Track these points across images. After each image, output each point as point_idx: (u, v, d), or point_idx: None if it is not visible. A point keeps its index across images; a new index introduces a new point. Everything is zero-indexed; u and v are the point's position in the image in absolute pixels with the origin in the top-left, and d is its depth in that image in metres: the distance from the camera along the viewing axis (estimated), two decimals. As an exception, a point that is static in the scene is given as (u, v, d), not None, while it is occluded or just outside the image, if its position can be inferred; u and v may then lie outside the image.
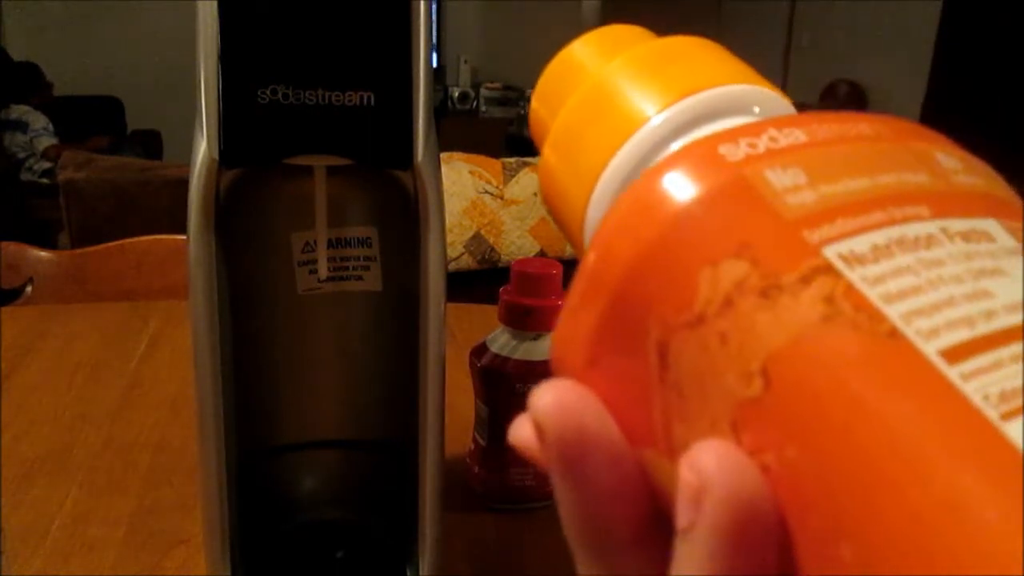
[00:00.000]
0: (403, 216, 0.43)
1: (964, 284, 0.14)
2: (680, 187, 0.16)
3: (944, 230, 0.15)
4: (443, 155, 1.25)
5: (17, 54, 3.91)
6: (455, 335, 0.82)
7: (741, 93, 0.20)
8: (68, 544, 0.55)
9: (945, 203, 0.16)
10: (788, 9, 4.74)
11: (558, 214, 0.21)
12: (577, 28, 0.28)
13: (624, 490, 0.16)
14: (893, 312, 0.14)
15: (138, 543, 0.55)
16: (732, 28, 4.69)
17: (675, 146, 0.19)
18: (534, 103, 0.24)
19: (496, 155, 1.68)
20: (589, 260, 0.17)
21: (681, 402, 0.16)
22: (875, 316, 0.14)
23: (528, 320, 0.56)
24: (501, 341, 0.57)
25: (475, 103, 4.95)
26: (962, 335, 0.14)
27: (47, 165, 3.52)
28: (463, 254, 1.57)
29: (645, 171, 0.17)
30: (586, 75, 0.22)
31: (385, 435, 0.51)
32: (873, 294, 0.14)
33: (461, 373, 0.59)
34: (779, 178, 0.16)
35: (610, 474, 0.16)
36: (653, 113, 0.19)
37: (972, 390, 0.13)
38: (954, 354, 0.13)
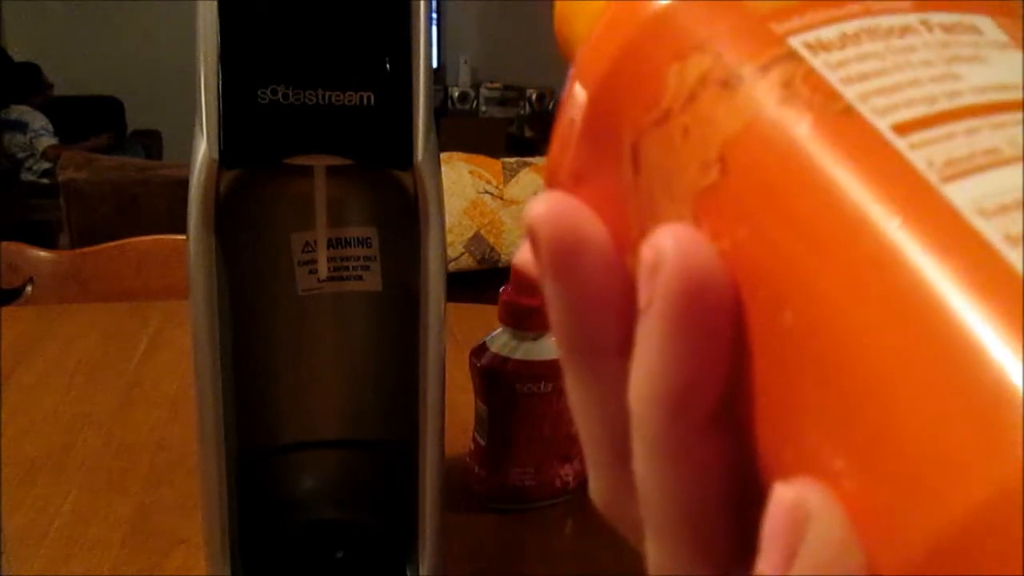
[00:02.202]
0: (403, 216, 0.43)
1: (933, 68, 0.14)
2: None
3: (924, 22, 0.15)
4: (443, 155, 1.25)
5: (17, 54, 3.91)
6: (455, 335, 0.82)
7: None
8: (68, 544, 0.55)
9: None
10: None
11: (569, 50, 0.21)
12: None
13: (613, 295, 0.16)
14: (850, 92, 0.14)
15: (138, 543, 0.55)
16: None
17: None
18: None
19: (496, 155, 1.68)
20: (572, 74, 0.17)
21: (651, 203, 0.16)
22: (831, 95, 0.14)
23: (528, 320, 0.56)
24: (501, 341, 0.57)
25: (475, 103, 4.95)
26: (919, 111, 0.13)
27: (47, 165, 3.52)
28: (463, 254, 1.57)
29: None
30: None
31: (385, 435, 0.51)
32: (833, 77, 0.14)
33: (461, 373, 0.59)
34: None
35: (602, 276, 0.16)
36: None
37: (918, 157, 0.13)
38: (906, 127, 0.13)
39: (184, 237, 0.41)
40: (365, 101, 0.37)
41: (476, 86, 4.97)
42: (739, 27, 0.15)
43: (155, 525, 0.57)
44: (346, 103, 0.37)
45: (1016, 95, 0.14)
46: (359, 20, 0.37)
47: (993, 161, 0.13)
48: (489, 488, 0.60)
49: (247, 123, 0.37)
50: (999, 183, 0.12)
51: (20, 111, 3.64)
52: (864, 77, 0.14)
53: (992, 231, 0.12)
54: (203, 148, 0.37)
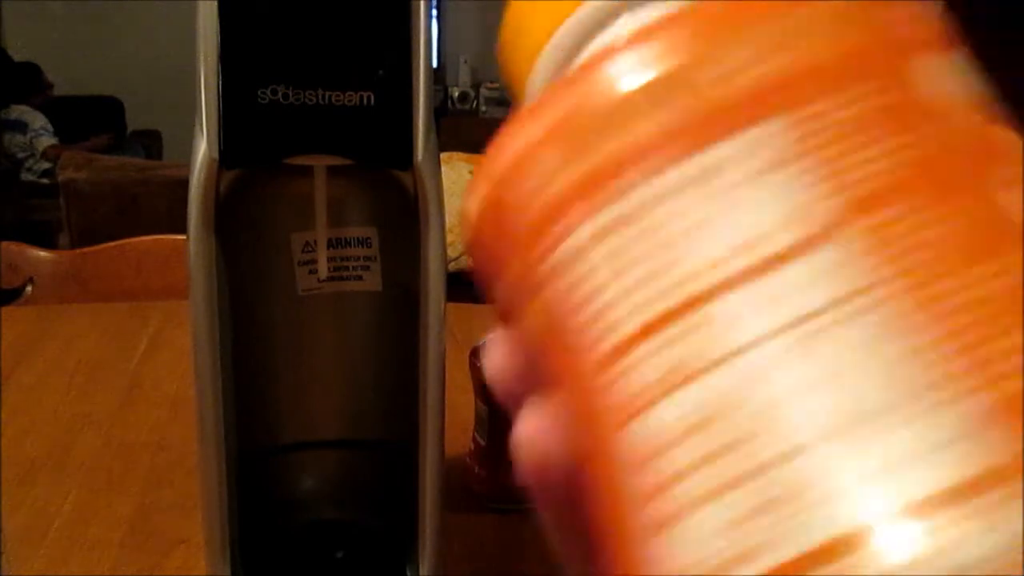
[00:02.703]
0: (403, 216, 0.43)
1: (653, 259, 0.15)
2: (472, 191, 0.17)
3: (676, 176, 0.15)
4: (443, 155, 1.25)
5: (17, 55, 3.91)
6: (455, 335, 0.82)
7: None
8: (68, 544, 0.55)
9: (695, 132, 0.15)
10: None
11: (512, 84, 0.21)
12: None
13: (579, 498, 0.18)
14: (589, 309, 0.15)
15: (138, 543, 0.55)
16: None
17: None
18: None
19: (496, 155, 1.68)
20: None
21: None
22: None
23: (528, 320, 0.56)
24: (501, 341, 0.57)
25: (475, 103, 4.95)
26: (629, 328, 0.15)
27: (47, 165, 3.52)
28: (463, 254, 1.57)
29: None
30: None
31: (385, 435, 0.51)
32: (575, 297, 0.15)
33: (461, 373, 0.59)
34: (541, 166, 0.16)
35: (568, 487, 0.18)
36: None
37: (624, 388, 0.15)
38: (624, 347, 0.15)
39: (184, 237, 0.41)
40: (365, 101, 0.37)
41: (476, 86, 4.97)
42: (522, 281, 0.16)
43: (155, 525, 0.57)
44: (346, 103, 0.37)
45: (731, 268, 0.14)
46: (359, 20, 0.37)
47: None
48: (489, 488, 0.60)
49: (247, 123, 0.37)
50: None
51: (20, 111, 3.64)
52: (592, 295, 0.15)
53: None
54: (203, 148, 0.37)
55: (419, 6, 0.37)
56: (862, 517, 0.12)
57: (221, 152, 0.37)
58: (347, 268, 0.46)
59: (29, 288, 1.08)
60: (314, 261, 0.45)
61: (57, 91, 4.00)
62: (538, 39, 0.18)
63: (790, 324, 0.14)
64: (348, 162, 0.39)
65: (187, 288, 0.40)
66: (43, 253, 1.12)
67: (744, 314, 0.14)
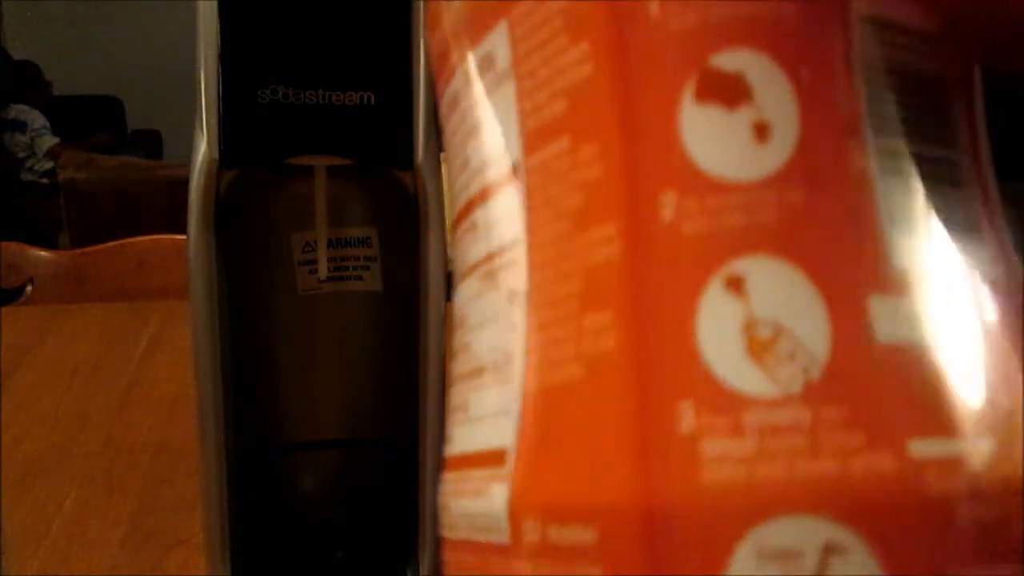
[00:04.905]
0: (403, 216, 0.43)
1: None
2: None
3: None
4: (443, 155, 1.25)
5: (17, 54, 3.91)
6: (455, 335, 0.82)
7: None
8: (68, 544, 0.55)
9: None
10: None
11: None
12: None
13: None
14: None
15: (138, 543, 0.55)
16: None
17: None
18: None
19: (496, 155, 1.68)
20: None
21: None
22: None
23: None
24: (501, 341, 0.57)
25: (475, 103, 4.95)
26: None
27: (48, 165, 3.52)
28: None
29: None
30: None
31: (385, 435, 0.51)
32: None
33: (461, 373, 0.59)
34: None
35: None
36: None
37: None
38: None
39: (184, 237, 0.41)
40: (365, 101, 0.37)
41: (476, 86, 4.97)
42: None
43: (155, 525, 0.57)
44: (346, 103, 0.37)
45: None
46: (359, 20, 0.37)
47: None
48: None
49: (247, 123, 0.37)
50: None
51: (19, 110, 3.64)
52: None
53: None
54: (203, 148, 0.37)
55: (419, 6, 0.37)
56: (455, 451, 0.16)
57: (221, 152, 0.37)
58: (347, 268, 0.46)
59: (29, 288, 1.08)
60: (314, 261, 0.45)
61: (57, 91, 4.00)
62: None
63: (483, 260, 0.16)
64: (348, 162, 0.39)
65: (187, 288, 0.40)
66: (43, 253, 1.12)
67: (474, 233, 0.16)
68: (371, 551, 0.50)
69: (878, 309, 0.12)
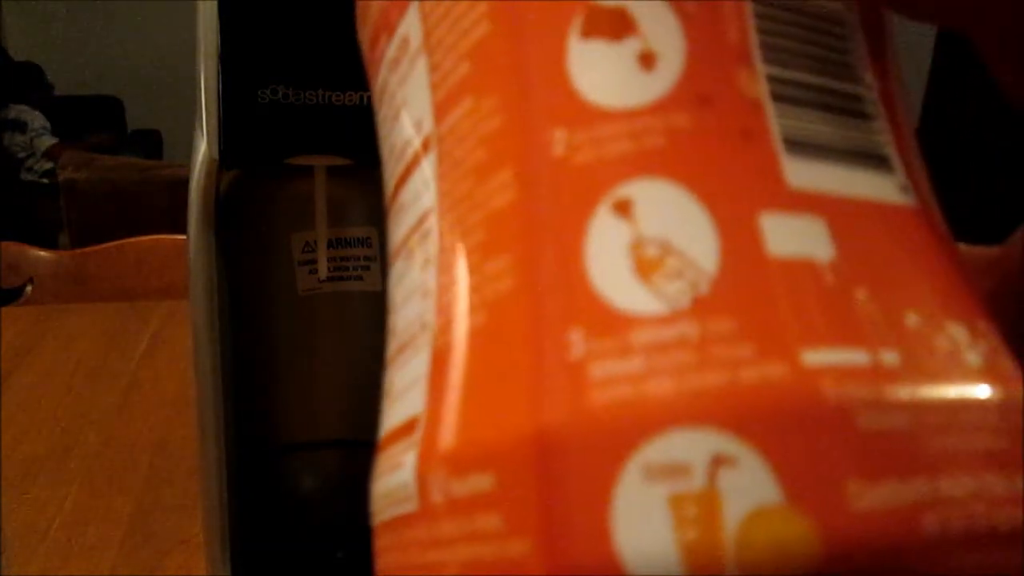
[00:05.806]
0: (403, 216, 0.43)
1: None
2: None
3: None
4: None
5: (17, 54, 3.91)
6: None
7: None
8: (68, 544, 0.55)
9: None
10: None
11: None
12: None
13: None
14: None
15: (138, 543, 0.55)
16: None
17: None
18: None
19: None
20: None
21: None
22: None
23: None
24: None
25: (475, 103, 4.95)
26: None
27: (48, 165, 3.52)
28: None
29: None
30: None
31: (385, 435, 0.51)
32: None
33: (461, 373, 0.59)
34: None
35: None
36: None
37: None
38: None
39: (184, 237, 0.41)
40: (365, 101, 0.37)
41: (476, 86, 4.97)
42: None
43: (155, 525, 0.57)
44: (346, 103, 0.37)
45: None
46: (359, 20, 0.37)
47: None
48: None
49: (247, 123, 0.37)
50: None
51: (19, 110, 3.64)
52: None
53: None
54: (203, 148, 0.37)
55: (419, 6, 0.37)
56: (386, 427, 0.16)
57: (221, 152, 0.37)
58: (347, 268, 0.46)
59: (29, 288, 1.08)
60: (314, 261, 0.45)
61: (57, 91, 4.00)
62: None
63: (404, 239, 0.17)
64: (348, 162, 0.39)
65: (187, 288, 0.40)
66: (43, 253, 1.12)
67: (397, 217, 0.17)
68: (371, 551, 0.50)
69: (771, 225, 0.12)
